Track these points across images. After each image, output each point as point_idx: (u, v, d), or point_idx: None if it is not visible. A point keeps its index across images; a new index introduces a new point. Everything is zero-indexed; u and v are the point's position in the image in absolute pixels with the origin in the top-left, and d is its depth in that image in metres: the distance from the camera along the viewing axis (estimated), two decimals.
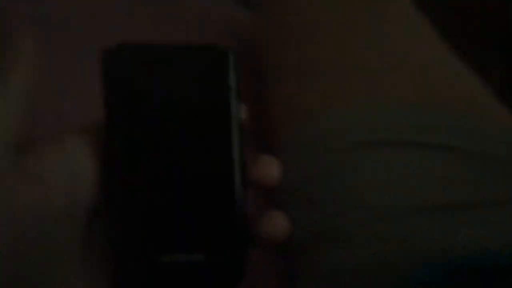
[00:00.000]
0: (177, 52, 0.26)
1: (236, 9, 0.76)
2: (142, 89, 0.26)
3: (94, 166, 0.25)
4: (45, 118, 0.51)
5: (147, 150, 0.26)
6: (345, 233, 0.39)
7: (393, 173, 0.40)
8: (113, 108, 0.26)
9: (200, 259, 0.26)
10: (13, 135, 0.24)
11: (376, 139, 0.41)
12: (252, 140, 0.48)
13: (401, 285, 0.36)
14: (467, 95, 0.45)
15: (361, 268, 0.38)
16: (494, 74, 0.94)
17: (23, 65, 0.24)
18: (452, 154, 0.40)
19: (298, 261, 0.43)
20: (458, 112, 0.42)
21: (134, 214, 0.26)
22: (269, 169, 0.27)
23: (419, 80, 0.45)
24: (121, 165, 0.26)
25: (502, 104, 0.45)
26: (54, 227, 0.24)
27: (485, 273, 0.35)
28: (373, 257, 0.38)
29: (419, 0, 0.54)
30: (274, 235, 0.27)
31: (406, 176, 0.40)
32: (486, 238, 0.36)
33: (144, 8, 0.67)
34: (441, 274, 0.35)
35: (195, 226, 0.26)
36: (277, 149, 0.47)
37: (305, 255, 0.42)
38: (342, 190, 0.40)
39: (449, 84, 0.45)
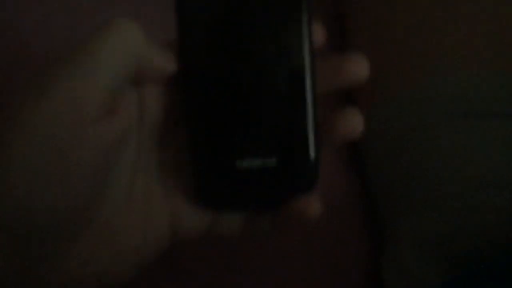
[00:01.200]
0: None
1: None
2: (217, 13, 0.27)
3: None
4: None
5: (221, 60, 0.27)
6: (443, 202, 0.39)
7: (490, 144, 0.39)
8: (186, 17, 0.27)
9: (273, 163, 0.27)
10: None
11: (477, 109, 0.40)
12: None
13: (497, 256, 0.36)
14: None
15: (455, 238, 0.38)
16: None
17: None
18: None
19: (391, 227, 0.43)
20: None
21: (211, 120, 0.27)
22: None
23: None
24: (195, 72, 0.27)
25: None
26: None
27: None
28: (467, 227, 0.38)
29: None
30: (350, 131, 0.27)
31: (504, 148, 0.39)
32: None
33: None
34: None
35: (268, 131, 0.27)
36: (369, 113, 0.46)
37: (399, 222, 0.42)
38: (440, 159, 0.40)
39: None
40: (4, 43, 0.51)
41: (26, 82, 0.24)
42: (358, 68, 0.27)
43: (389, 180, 0.43)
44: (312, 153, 0.27)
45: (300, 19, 0.27)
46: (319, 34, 0.27)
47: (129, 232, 0.27)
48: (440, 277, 0.39)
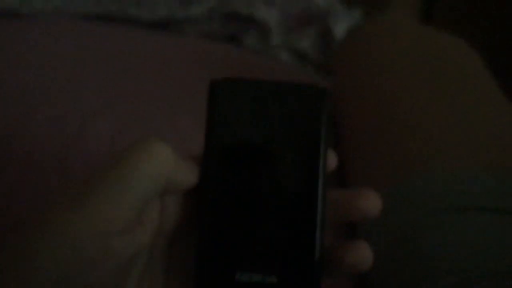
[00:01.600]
0: (278, 89, 0.29)
1: (317, 77, 0.80)
2: (243, 120, 0.28)
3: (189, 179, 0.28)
4: None
5: (238, 175, 0.28)
6: None
7: (484, 238, 0.40)
8: (214, 134, 0.28)
9: (273, 281, 0.27)
10: None
11: (463, 204, 0.41)
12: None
13: None
14: None
15: None
16: None
17: None
18: None
19: None
20: None
21: (219, 231, 0.28)
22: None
23: (504, 146, 0.45)
24: (213, 184, 0.28)
25: None
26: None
27: None
28: None
29: None
30: (358, 264, 0.28)
31: (497, 242, 0.39)
32: None
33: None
34: None
35: (273, 249, 0.28)
36: None
37: None
38: (433, 254, 0.40)
39: None
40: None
41: (62, 193, 0.26)
42: (371, 204, 0.29)
43: (380, 279, 0.44)
44: (314, 280, 0.28)
45: (319, 146, 0.28)
46: (331, 158, 0.29)
47: None
48: None
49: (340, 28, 0.85)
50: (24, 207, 0.47)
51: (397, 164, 0.46)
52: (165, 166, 0.26)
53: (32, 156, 0.52)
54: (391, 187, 0.45)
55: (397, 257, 0.42)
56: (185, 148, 0.29)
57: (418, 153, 0.45)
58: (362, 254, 0.28)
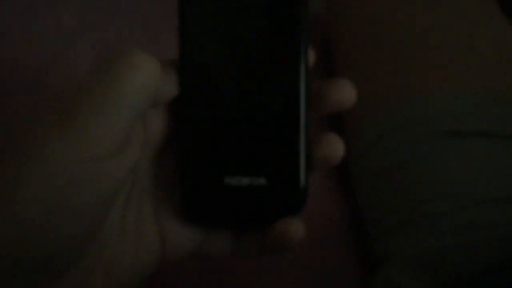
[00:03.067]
0: None
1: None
2: (217, 22, 0.27)
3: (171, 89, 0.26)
4: None
5: (217, 80, 0.27)
6: (431, 220, 0.39)
7: (479, 162, 0.39)
8: (188, 38, 0.27)
9: (262, 182, 0.27)
10: None
11: (462, 128, 0.40)
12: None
13: (485, 274, 0.36)
14: None
15: (446, 255, 0.38)
16: None
17: None
18: None
19: (381, 247, 0.43)
20: None
21: (202, 138, 0.27)
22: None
23: (505, 68, 0.44)
24: (193, 92, 0.27)
25: None
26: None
27: None
28: (458, 245, 0.38)
29: None
30: (331, 157, 0.27)
31: (492, 167, 0.39)
32: None
33: None
34: None
35: (259, 151, 0.27)
36: (357, 135, 0.47)
37: (389, 241, 0.42)
38: (428, 178, 0.40)
39: None
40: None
41: (42, 117, 0.24)
42: (346, 93, 0.27)
43: (378, 201, 0.43)
44: (302, 175, 0.27)
45: (299, 43, 0.27)
46: (310, 56, 0.28)
47: (121, 258, 0.27)
48: None
49: None
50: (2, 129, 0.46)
51: (395, 88, 0.45)
52: (152, 79, 0.24)
53: (7, 77, 0.50)
54: (389, 111, 0.44)
55: (394, 180, 0.42)
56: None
57: (416, 77, 0.44)
58: (333, 145, 0.27)
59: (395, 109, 0.43)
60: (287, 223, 0.27)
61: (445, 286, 0.38)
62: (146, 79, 0.24)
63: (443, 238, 0.38)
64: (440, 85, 0.43)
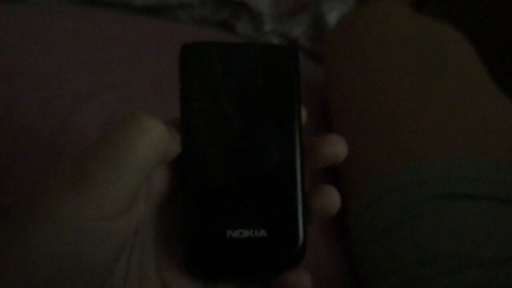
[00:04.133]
0: (249, 49, 0.30)
1: (309, 63, 0.81)
2: (216, 82, 0.29)
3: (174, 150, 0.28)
4: None
5: (218, 137, 0.29)
6: (429, 282, 0.39)
7: (474, 224, 0.40)
8: (190, 98, 0.29)
9: (263, 234, 0.28)
10: None
11: (457, 191, 0.42)
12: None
13: None
14: None
15: None
16: None
17: None
18: None
19: None
20: None
21: (205, 194, 0.28)
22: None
23: (497, 134, 0.45)
24: (195, 148, 0.29)
25: None
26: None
27: None
28: None
29: None
30: (328, 208, 0.29)
31: (488, 228, 0.40)
32: None
33: None
34: None
35: (259, 204, 0.29)
36: (354, 195, 0.48)
37: None
38: (423, 240, 0.41)
39: None
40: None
41: (52, 173, 0.25)
42: (338, 147, 0.29)
43: (375, 261, 0.44)
44: (300, 228, 0.29)
45: (293, 101, 0.29)
46: (302, 113, 0.30)
47: None
48: None
49: (333, 15, 0.85)
50: (12, 193, 0.47)
51: (390, 153, 0.46)
52: (161, 142, 0.26)
53: (21, 139, 0.51)
54: (386, 173, 0.45)
55: (393, 242, 0.43)
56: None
57: (410, 141, 0.46)
58: (330, 197, 0.29)
59: (392, 172, 0.45)
60: (297, 275, 0.28)
61: None
62: (156, 142, 0.26)
63: None
64: (434, 150, 0.44)
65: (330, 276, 0.48)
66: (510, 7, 1.14)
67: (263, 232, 0.28)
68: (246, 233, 0.28)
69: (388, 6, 0.64)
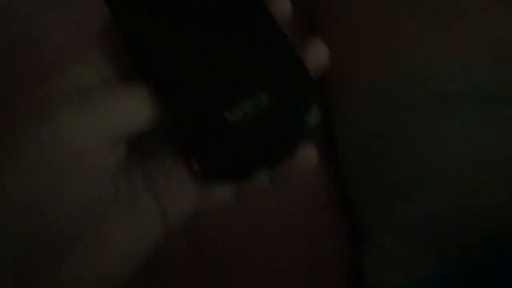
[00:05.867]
0: None
1: None
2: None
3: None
4: None
5: (188, 34, 0.24)
6: (422, 183, 0.39)
7: (469, 125, 0.39)
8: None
9: (266, 100, 0.23)
10: None
11: (451, 91, 0.40)
12: None
13: (478, 236, 0.36)
14: None
15: (439, 218, 0.38)
16: None
17: None
18: None
19: (370, 215, 0.43)
20: None
21: (187, 78, 0.24)
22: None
23: (488, 33, 0.44)
24: (164, 44, 0.24)
25: None
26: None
27: None
28: (451, 207, 0.38)
29: None
30: (319, 62, 0.26)
31: (482, 128, 0.39)
32: None
33: None
34: None
35: (250, 70, 0.24)
36: (345, 103, 0.46)
37: (379, 208, 0.42)
38: (417, 141, 0.40)
39: None
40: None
41: (25, 108, 0.24)
42: (318, 53, 0.26)
43: (366, 168, 0.43)
44: (308, 74, 0.24)
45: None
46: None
47: (120, 235, 0.26)
48: (428, 265, 0.38)
49: None
50: None
51: (381, 57, 0.45)
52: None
53: None
54: (374, 79, 0.44)
55: (382, 147, 0.42)
56: None
57: (399, 47, 0.44)
58: (320, 51, 0.26)
59: (382, 77, 0.43)
60: (307, 148, 0.25)
61: (439, 252, 0.38)
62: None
63: (434, 202, 0.38)
64: (425, 50, 0.43)
65: (316, 191, 0.47)
66: None
67: (265, 97, 0.23)
68: (246, 106, 0.23)
69: None
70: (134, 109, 0.24)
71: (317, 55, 0.26)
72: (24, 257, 0.23)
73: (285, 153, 0.24)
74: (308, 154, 0.25)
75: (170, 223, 0.27)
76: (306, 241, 0.46)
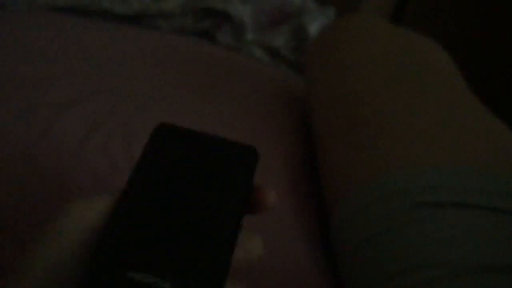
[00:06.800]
0: (214, 141, 0.31)
1: (291, 73, 0.81)
2: (172, 160, 0.30)
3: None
4: None
5: (157, 196, 0.28)
6: (423, 286, 0.39)
7: (458, 232, 0.40)
8: (142, 166, 0.29)
9: (166, 286, 0.26)
10: None
11: (441, 200, 0.42)
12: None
13: None
14: None
15: None
16: None
17: None
18: None
19: None
20: None
21: (120, 233, 0.27)
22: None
23: (478, 141, 0.46)
24: (133, 198, 0.28)
25: None
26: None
27: None
28: None
29: None
30: (252, 255, 0.28)
31: (473, 236, 0.40)
32: None
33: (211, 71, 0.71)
34: None
35: (174, 255, 0.26)
36: (334, 208, 0.48)
37: None
38: (407, 249, 0.41)
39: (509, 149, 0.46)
40: None
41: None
42: (253, 246, 0.29)
43: (361, 270, 0.44)
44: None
45: (236, 194, 0.29)
46: (270, 197, 0.30)
47: None
48: None
49: (314, 26, 0.86)
50: None
51: (373, 162, 0.46)
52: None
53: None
54: (369, 184, 0.45)
55: (377, 251, 0.43)
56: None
57: (392, 151, 0.46)
58: (253, 246, 0.29)
59: (376, 181, 0.45)
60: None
61: None
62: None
63: None
64: (417, 159, 0.44)
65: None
66: (484, 19, 1.16)
67: (167, 283, 0.26)
68: (148, 278, 0.26)
69: (368, 18, 0.65)
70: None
71: (252, 247, 0.29)
72: None
73: None
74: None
75: None
76: None
